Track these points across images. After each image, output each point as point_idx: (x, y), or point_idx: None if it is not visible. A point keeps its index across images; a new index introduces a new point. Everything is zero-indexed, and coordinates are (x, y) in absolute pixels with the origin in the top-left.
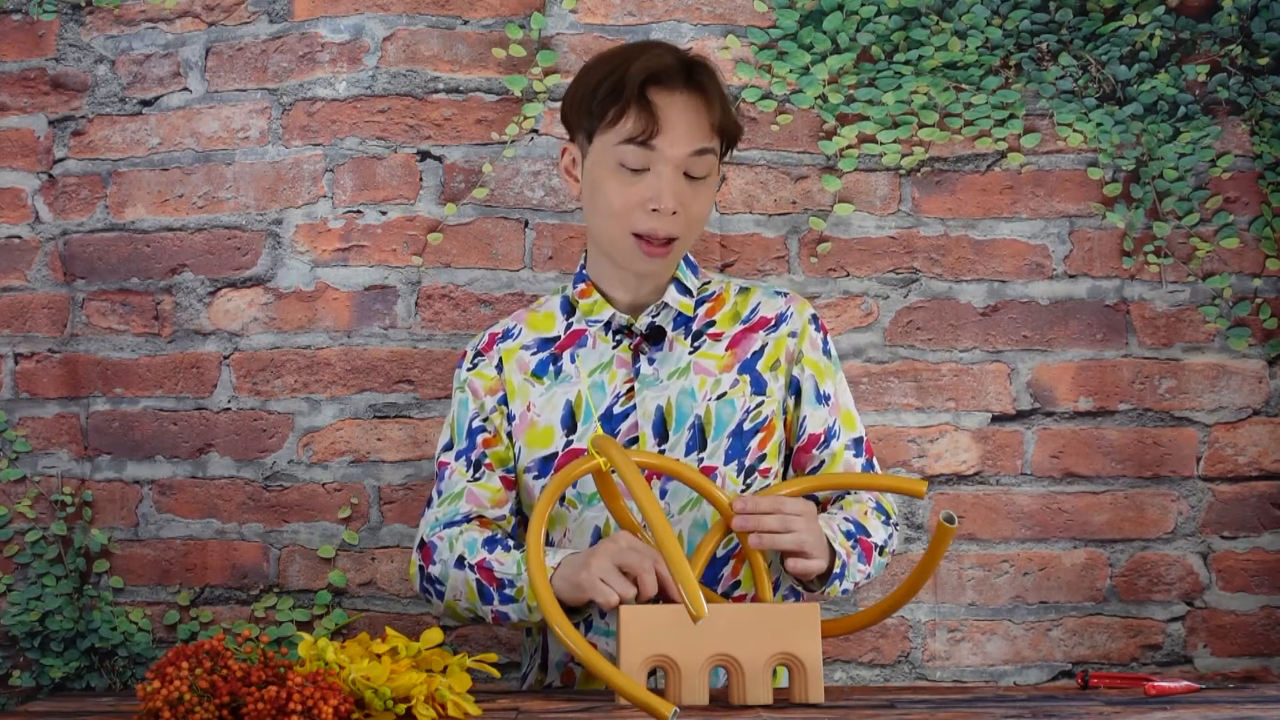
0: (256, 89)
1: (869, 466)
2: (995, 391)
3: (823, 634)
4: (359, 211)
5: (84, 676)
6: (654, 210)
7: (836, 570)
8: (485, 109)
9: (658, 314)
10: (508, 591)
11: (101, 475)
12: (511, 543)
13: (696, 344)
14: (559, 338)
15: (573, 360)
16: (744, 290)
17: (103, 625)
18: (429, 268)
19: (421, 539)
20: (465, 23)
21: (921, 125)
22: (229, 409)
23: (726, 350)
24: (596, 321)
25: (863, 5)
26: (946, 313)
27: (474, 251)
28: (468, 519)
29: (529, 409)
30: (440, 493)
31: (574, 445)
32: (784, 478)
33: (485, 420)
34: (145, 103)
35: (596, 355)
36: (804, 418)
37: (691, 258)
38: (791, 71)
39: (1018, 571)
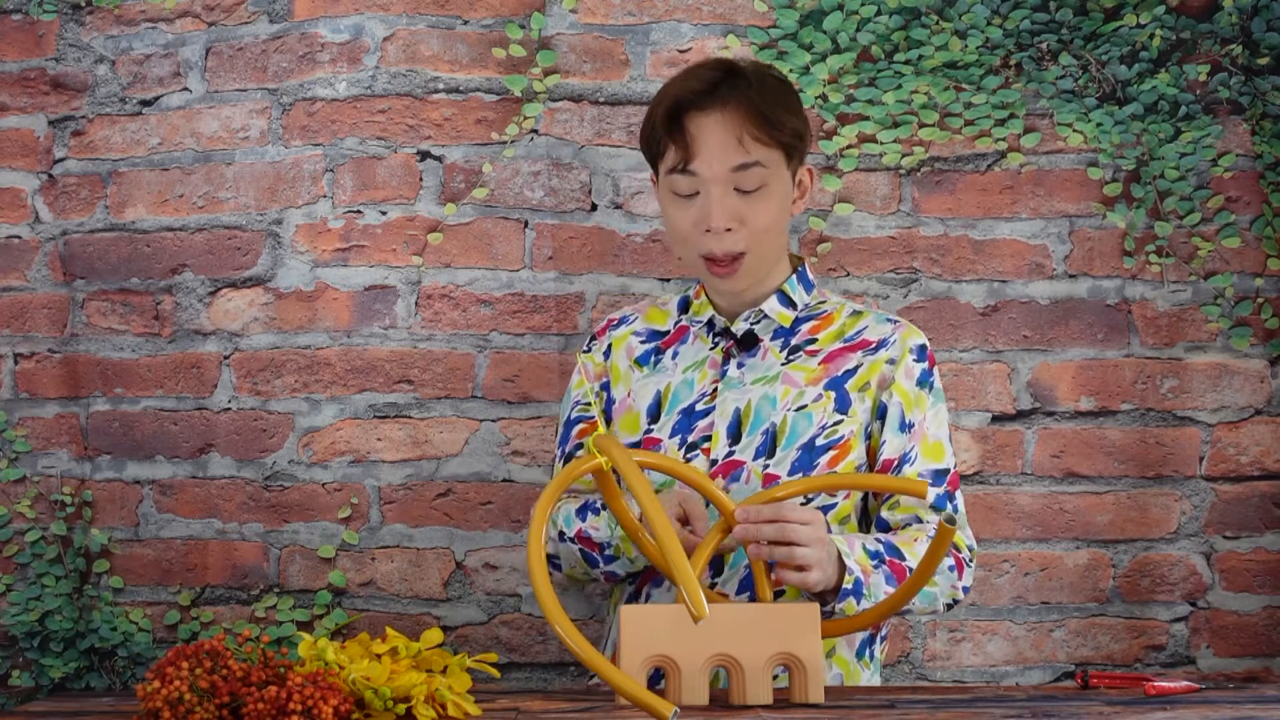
0: (256, 89)
1: (947, 498)
2: (995, 391)
3: (823, 634)
4: (359, 211)
5: (84, 677)
6: (708, 231)
7: (848, 586)
8: (485, 109)
9: (757, 321)
10: (608, 553)
11: (101, 475)
12: (599, 503)
13: (792, 357)
14: (668, 332)
15: (674, 356)
16: (856, 313)
17: (103, 625)
18: (429, 268)
19: None
20: (465, 23)
21: (922, 125)
22: (229, 409)
23: (819, 365)
24: (699, 321)
25: (863, 5)
26: (946, 312)
27: (474, 251)
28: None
29: (629, 395)
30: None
31: (653, 433)
32: (863, 503)
33: (587, 406)
34: (145, 103)
35: (694, 353)
36: (883, 443)
37: (810, 275)
38: (791, 71)
39: (1019, 572)
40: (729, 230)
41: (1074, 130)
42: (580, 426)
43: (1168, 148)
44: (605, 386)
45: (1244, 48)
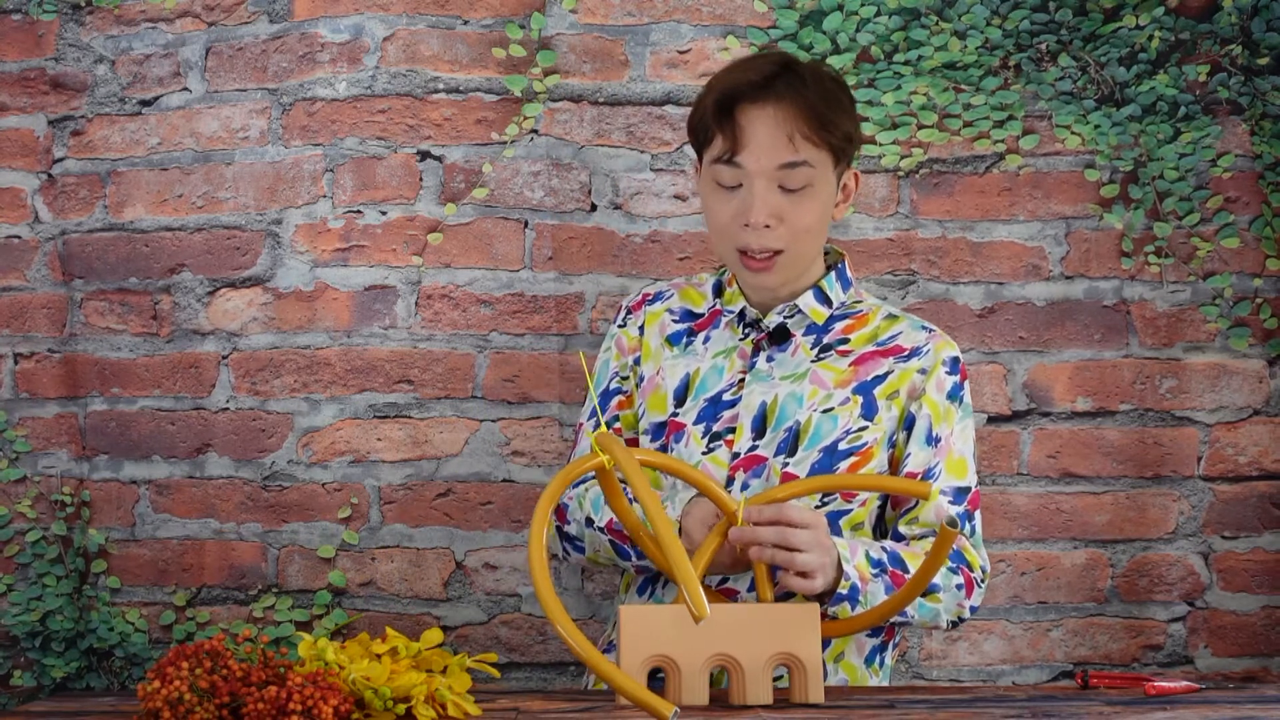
0: (256, 89)
1: (966, 517)
2: (992, 392)
3: (823, 634)
4: (359, 211)
5: (84, 677)
6: (747, 225)
7: (844, 591)
8: (485, 109)
9: (790, 316)
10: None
11: (99, 475)
12: (629, 492)
13: (822, 355)
14: (702, 315)
15: (706, 341)
16: (892, 317)
17: (100, 625)
18: (429, 268)
19: None
20: (465, 23)
21: (920, 126)
22: (227, 409)
23: (849, 367)
24: (731, 311)
25: (862, 5)
26: (943, 314)
27: (474, 251)
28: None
29: (658, 373)
30: (572, 458)
31: (677, 417)
32: (880, 512)
33: (623, 380)
34: (145, 103)
35: (724, 340)
36: (908, 455)
37: (849, 273)
38: None
39: (1015, 571)
40: (768, 227)
41: (1072, 132)
42: (619, 399)
43: (1167, 148)
44: (637, 362)
45: (1243, 48)
